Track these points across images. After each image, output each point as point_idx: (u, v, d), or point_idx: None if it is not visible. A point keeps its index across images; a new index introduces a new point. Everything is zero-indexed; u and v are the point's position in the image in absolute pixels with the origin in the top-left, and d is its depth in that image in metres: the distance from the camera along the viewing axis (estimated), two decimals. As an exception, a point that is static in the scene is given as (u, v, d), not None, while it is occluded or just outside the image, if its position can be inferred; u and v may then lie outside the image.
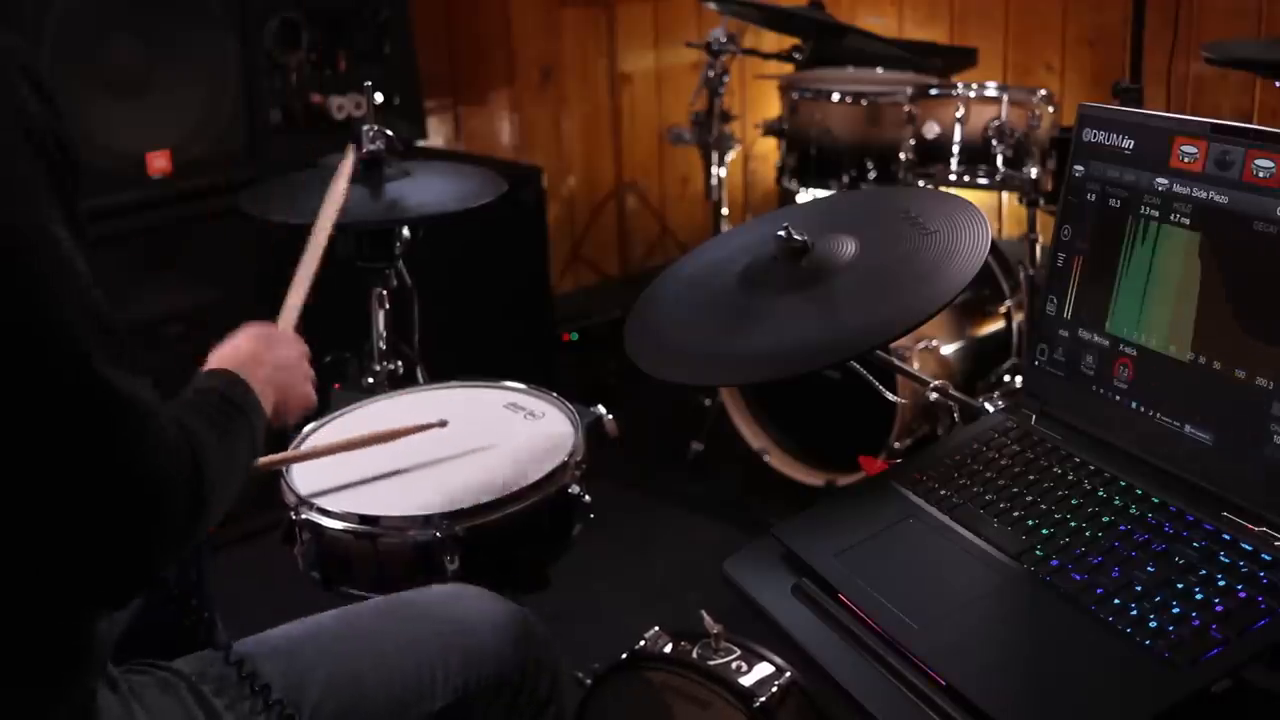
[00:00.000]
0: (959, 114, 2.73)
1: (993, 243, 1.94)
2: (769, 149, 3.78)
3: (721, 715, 1.53)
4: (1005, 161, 2.69)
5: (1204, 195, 1.13)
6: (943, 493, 1.20)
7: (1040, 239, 2.71)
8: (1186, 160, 1.15)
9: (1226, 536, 1.05)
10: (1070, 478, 1.18)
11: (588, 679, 1.68)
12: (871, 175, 2.96)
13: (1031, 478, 1.20)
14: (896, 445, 2.63)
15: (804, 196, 3.08)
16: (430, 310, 2.09)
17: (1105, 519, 1.11)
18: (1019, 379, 2.55)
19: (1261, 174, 1.08)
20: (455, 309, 2.71)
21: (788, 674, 1.54)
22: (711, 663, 1.56)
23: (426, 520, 1.45)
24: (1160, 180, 1.18)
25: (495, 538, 1.48)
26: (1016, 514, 1.15)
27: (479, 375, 1.82)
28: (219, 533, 2.52)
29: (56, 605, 0.98)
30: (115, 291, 0.95)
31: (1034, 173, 2.68)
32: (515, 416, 1.70)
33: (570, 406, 1.69)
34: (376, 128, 1.90)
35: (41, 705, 1.01)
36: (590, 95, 3.97)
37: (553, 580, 1.56)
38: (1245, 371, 1.09)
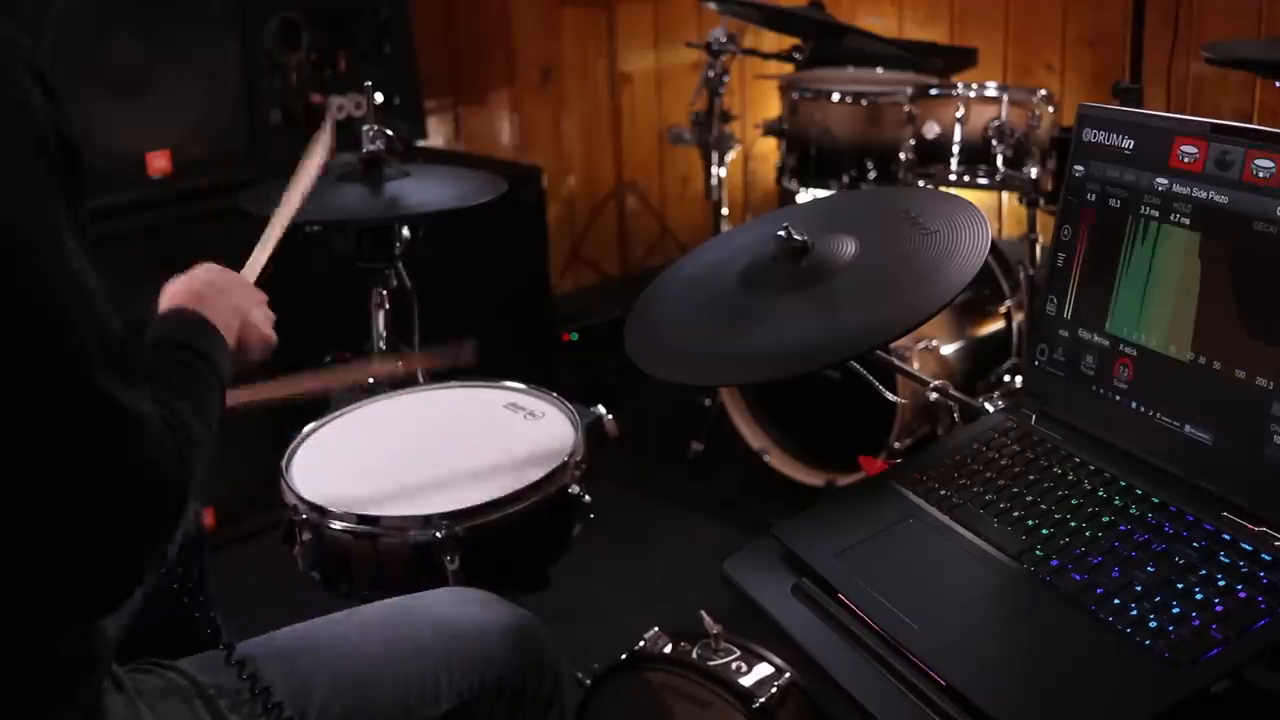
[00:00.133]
0: (959, 114, 2.73)
1: (993, 243, 1.94)
2: (769, 149, 3.78)
3: (721, 715, 1.53)
4: (1005, 161, 2.68)
5: (1204, 195, 1.13)
6: (943, 493, 1.20)
7: (1040, 239, 2.71)
8: (1186, 160, 1.15)
9: (1226, 536, 1.05)
10: (1070, 478, 1.18)
11: (587, 679, 1.68)
12: (871, 175, 2.96)
13: (1031, 478, 1.20)
14: (896, 445, 2.63)
15: (804, 196, 3.08)
16: (430, 310, 2.09)
17: (1105, 519, 1.11)
18: (1019, 379, 2.55)
19: (1261, 174, 1.08)
20: (455, 309, 2.70)
21: (787, 674, 1.54)
22: (711, 663, 1.56)
23: (426, 520, 1.45)
24: (1160, 180, 1.18)
25: (495, 538, 1.48)
26: (1016, 514, 1.15)
27: (479, 375, 1.82)
28: (219, 532, 2.53)
29: (48, 611, 0.98)
30: (115, 291, 0.95)
31: (1034, 173, 2.68)
32: (515, 416, 1.70)
33: (570, 406, 1.69)
34: (376, 128, 1.90)
35: (48, 705, 1.01)
36: (590, 95, 3.97)
37: (553, 580, 1.56)
38: (1245, 371, 1.09)
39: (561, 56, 3.85)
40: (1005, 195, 3.15)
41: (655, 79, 4.09)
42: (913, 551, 1.15)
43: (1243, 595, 0.98)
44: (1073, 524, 1.11)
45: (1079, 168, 1.27)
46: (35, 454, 0.88)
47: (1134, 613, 0.98)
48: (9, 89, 0.90)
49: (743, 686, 1.52)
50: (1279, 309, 1.07)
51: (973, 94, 2.73)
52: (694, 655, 1.58)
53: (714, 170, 3.23)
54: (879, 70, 3.15)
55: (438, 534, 1.44)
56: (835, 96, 2.99)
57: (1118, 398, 1.22)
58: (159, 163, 2.52)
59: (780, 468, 2.92)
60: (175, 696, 1.14)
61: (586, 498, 1.57)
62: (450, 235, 2.24)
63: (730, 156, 3.25)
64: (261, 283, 1.45)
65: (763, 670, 1.55)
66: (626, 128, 4.07)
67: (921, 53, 3.21)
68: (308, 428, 1.68)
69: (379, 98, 1.95)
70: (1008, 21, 3.57)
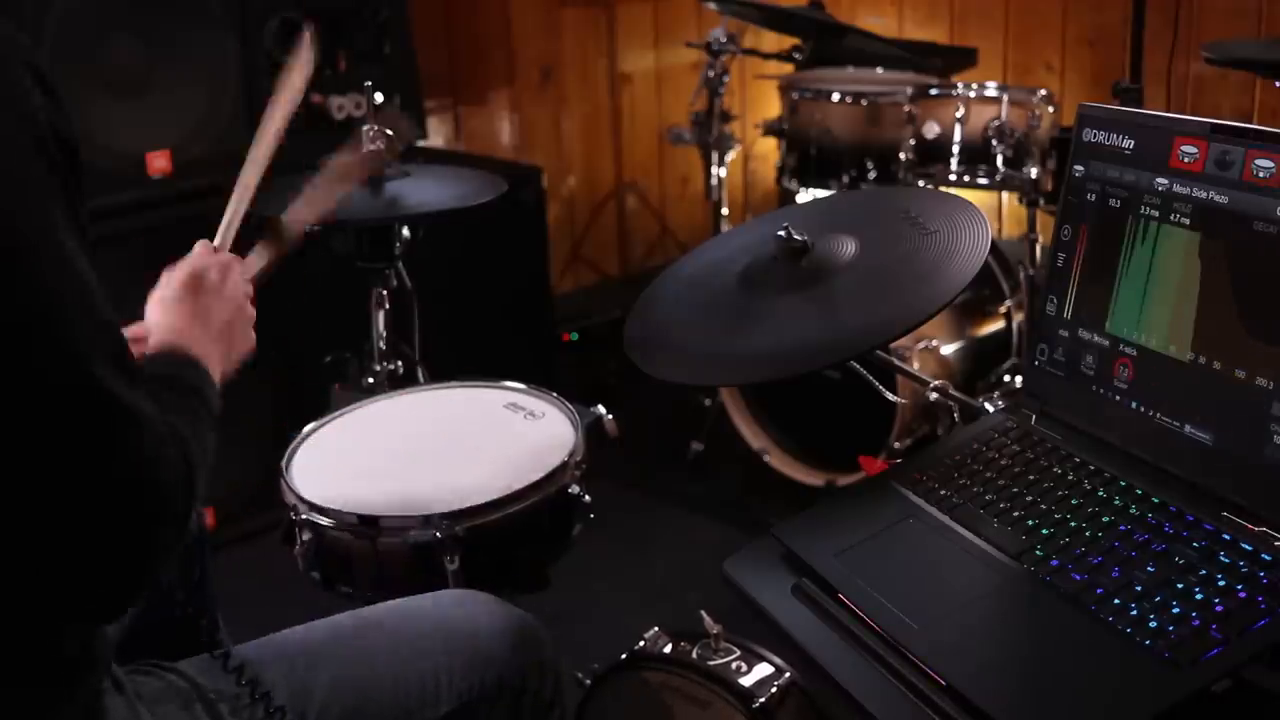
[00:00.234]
0: (959, 114, 2.73)
1: (993, 243, 1.94)
2: (769, 149, 3.78)
3: (721, 715, 1.53)
4: (1005, 161, 2.68)
5: (1204, 195, 1.13)
6: (943, 493, 1.20)
7: (1040, 239, 2.71)
8: (1186, 160, 1.15)
9: (1226, 536, 1.05)
10: (1070, 478, 1.18)
11: (587, 679, 1.68)
12: (871, 175, 2.96)
13: (1031, 478, 1.20)
14: (896, 445, 2.63)
15: (804, 196, 3.08)
16: (430, 310, 2.09)
17: (1105, 519, 1.11)
18: (1019, 379, 2.55)
19: (1261, 174, 1.08)
20: (455, 309, 2.71)
21: (787, 674, 1.54)
22: (711, 663, 1.56)
23: (426, 520, 1.45)
24: (1160, 180, 1.18)
25: (495, 538, 1.48)
26: (1016, 514, 1.15)
27: (479, 375, 1.82)
28: (219, 532, 2.53)
29: (55, 614, 0.97)
30: (115, 291, 0.95)
31: (1034, 173, 2.68)
32: (515, 416, 1.70)
33: (570, 406, 1.69)
34: (376, 128, 1.90)
35: (48, 705, 1.01)
36: (590, 95, 3.97)
37: (553, 580, 1.56)
38: (1245, 371, 1.09)
39: (561, 56, 3.85)
40: (1005, 195, 3.15)
41: (655, 79, 4.09)
42: (913, 551, 1.15)
43: (1243, 595, 0.98)
44: (1073, 524, 1.11)
45: (1079, 168, 1.27)
46: (36, 450, 0.88)
47: (1134, 613, 0.98)
48: (8, 89, 0.90)
49: (743, 686, 1.52)
50: (1279, 309, 1.07)
51: (973, 94, 2.73)
52: (694, 655, 1.58)
53: (714, 170, 3.23)
54: (879, 70, 3.15)
55: (438, 534, 1.44)
56: (835, 96, 2.99)
57: (1118, 398, 1.22)
58: (159, 163, 2.52)
59: (780, 468, 2.92)
60: (175, 699, 1.14)
61: (586, 498, 1.57)
62: (450, 235, 2.24)
63: (730, 156, 3.25)
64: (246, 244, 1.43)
65: (763, 670, 1.55)
66: (626, 128, 4.07)
67: (921, 53, 3.21)
68: (308, 428, 1.68)
69: (379, 98, 1.95)
70: (1008, 21, 3.57)
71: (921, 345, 2.62)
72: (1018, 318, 2.80)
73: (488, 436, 1.65)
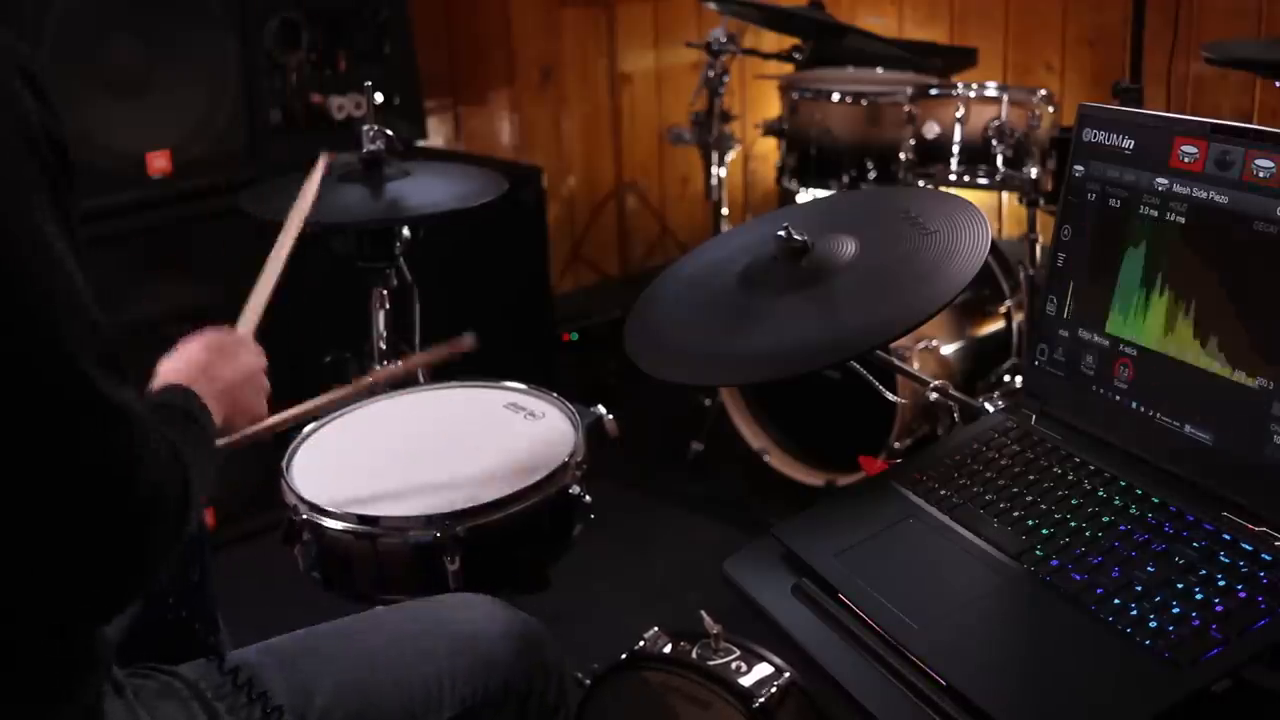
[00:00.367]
0: (959, 114, 2.73)
1: (993, 243, 1.94)
2: (769, 149, 3.79)
3: (721, 715, 1.53)
4: (1005, 161, 2.69)
5: (1204, 195, 1.13)
6: (943, 493, 1.20)
7: (1040, 239, 2.71)
8: (1186, 160, 1.15)
9: (1226, 536, 1.05)
10: (1070, 478, 1.18)
11: (587, 679, 1.68)
12: (871, 175, 2.96)
13: (1031, 478, 1.20)
14: (896, 445, 2.63)
15: (804, 196, 3.08)
16: (430, 310, 2.09)
17: (1105, 519, 1.11)
18: (1019, 379, 2.55)
19: (1261, 174, 1.08)
20: (455, 309, 2.70)
21: (787, 674, 1.54)
22: (711, 663, 1.56)
23: (427, 520, 1.45)
24: (1160, 180, 1.18)
25: (496, 538, 1.48)
26: (1016, 514, 1.15)
27: (479, 375, 1.82)
28: (219, 532, 2.53)
29: (52, 616, 0.97)
30: (115, 291, 0.95)
31: (1034, 173, 2.68)
32: (515, 416, 1.70)
33: (570, 406, 1.69)
34: (376, 128, 1.90)
35: (47, 707, 1.01)
36: (590, 95, 3.97)
37: (553, 580, 1.56)
38: (1245, 371, 1.09)
39: (561, 56, 3.85)
40: (1005, 195, 3.15)
41: (655, 79, 4.09)
42: (913, 551, 1.15)
43: (1243, 595, 0.98)
44: (1073, 524, 1.11)
45: (1079, 168, 1.27)
46: (24, 447, 0.88)
47: (1134, 613, 0.98)
48: (1, 92, 0.90)
49: (743, 686, 1.52)
50: (1279, 309, 1.07)
51: (973, 94, 2.73)
52: (694, 655, 1.58)
53: (714, 170, 3.23)
54: (879, 70, 3.15)
55: (438, 534, 1.44)
56: (835, 96, 2.99)
57: (1118, 398, 1.22)
58: (159, 163, 2.52)
59: (780, 468, 2.92)
60: (174, 701, 1.14)
61: (586, 498, 1.57)
62: (450, 235, 2.23)
63: (730, 156, 3.25)
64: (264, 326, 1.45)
65: (763, 670, 1.55)
66: (626, 128, 4.07)
67: (921, 53, 3.21)
68: (308, 428, 1.68)
69: (379, 98, 1.95)
70: (1008, 21, 3.57)
71: (921, 345, 2.62)
72: (1018, 318, 2.80)
73: (488, 436, 1.65)
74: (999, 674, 0.98)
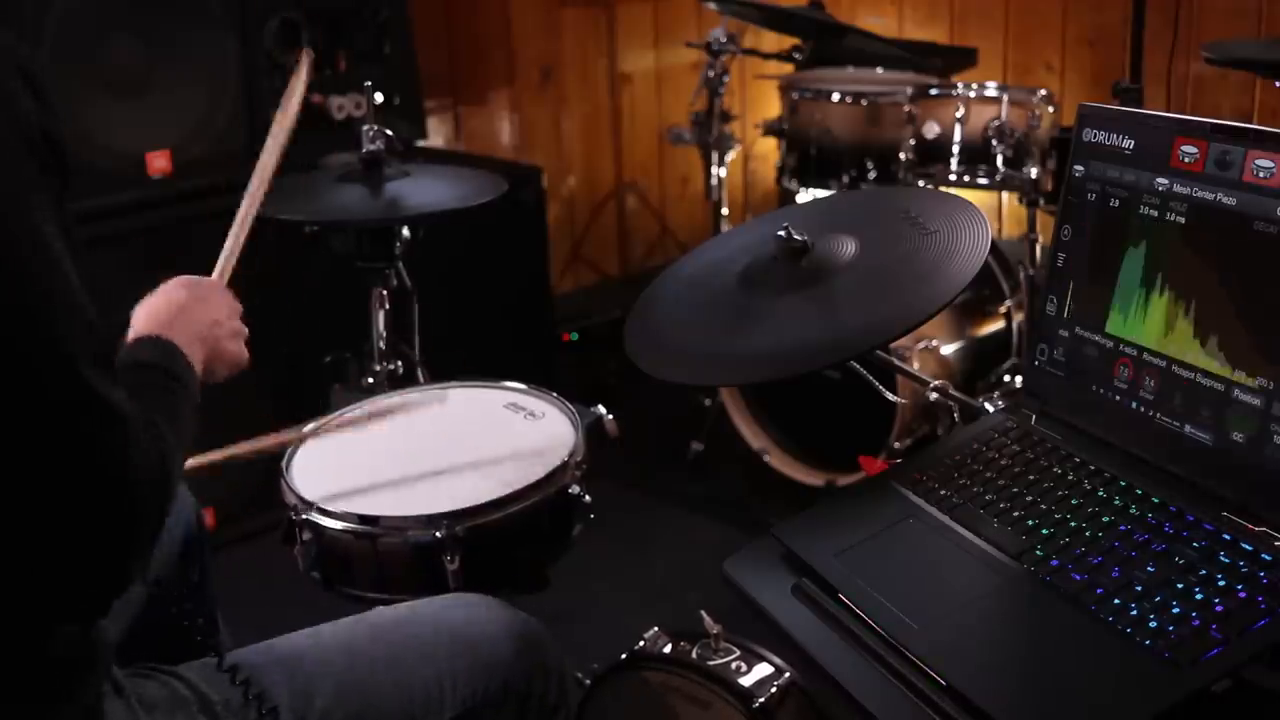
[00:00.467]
0: (959, 114, 2.73)
1: (993, 243, 1.94)
2: (769, 149, 3.78)
3: (721, 715, 1.53)
4: (1005, 161, 2.69)
5: (1204, 195, 1.13)
6: (943, 493, 1.20)
7: (1040, 239, 2.71)
8: (1186, 160, 1.15)
9: (1226, 536, 1.05)
10: (1070, 478, 1.18)
11: (587, 679, 1.68)
12: (871, 175, 2.96)
13: (1031, 478, 1.20)
14: (896, 445, 2.63)
15: (804, 196, 3.08)
16: (430, 310, 2.09)
17: (1105, 519, 1.11)
18: (1019, 379, 2.55)
19: (1261, 174, 1.08)
20: (455, 309, 2.71)
21: (787, 674, 1.54)
22: (711, 663, 1.56)
23: (427, 520, 1.45)
24: (1160, 180, 1.18)
25: (495, 538, 1.47)
26: (1016, 514, 1.15)
27: (479, 375, 1.82)
28: (219, 532, 2.52)
29: (37, 612, 0.98)
30: (115, 291, 0.95)
31: (1034, 173, 2.68)
32: (515, 416, 1.70)
33: (570, 406, 1.69)
34: (376, 128, 1.90)
35: (47, 708, 1.01)
36: (590, 95, 3.97)
37: (553, 580, 1.56)
38: (1245, 371, 1.09)
39: (561, 56, 3.85)
40: (1005, 195, 3.15)
41: (655, 79, 4.09)
42: (913, 551, 1.15)
43: (1243, 595, 0.98)
44: (1073, 524, 1.11)
45: (1079, 168, 1.27)
46: (18, 445, 0.88)
47: (1134, 613, 0.98)
48: None
49: (743, 686, 1.52)
50: (1278, 309, 1.07)
51: (973, 94, 2.73)
52: (694, 655, 1.58)
53: (714, 170, 3.23)
54: (879, 70, 3.15)
55: (438, 534, 1.44)
56: (835, 96, 2.99)
57: (1118, 398, 1.22)
58: (159, 163, 2.52)
59: (780, 468, 2.92)
60: (173, 701, 1.13)
61: (586, 498, 1.57)
62: (450, 235, 2.23)
63: (730, 156, 3.25)
64: (241, 266, 1.44)
65: (763, 670, 1.55)
66: (626, 128, 4.07)
67: (921, 53, 3.21)
68: (308, 428, 1.68)
69: (379, 98, 1.95)
70: (1008, 21, 3.57)
71: (921, 345, 2.62)
72: (1018, 318, 2.80)
73: (488, 436, 1.65)
74: (999, 674, 0.98)
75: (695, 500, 2.96)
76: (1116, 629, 0.98)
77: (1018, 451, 1.24)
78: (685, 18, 4.03)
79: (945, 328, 2.73)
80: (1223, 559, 1.02)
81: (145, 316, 1.25)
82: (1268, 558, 1.01)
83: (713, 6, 3.12)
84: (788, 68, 3.25)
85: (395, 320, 2.01)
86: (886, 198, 1.99)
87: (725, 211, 3.31)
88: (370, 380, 2.00)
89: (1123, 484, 1.15)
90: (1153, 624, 0.97)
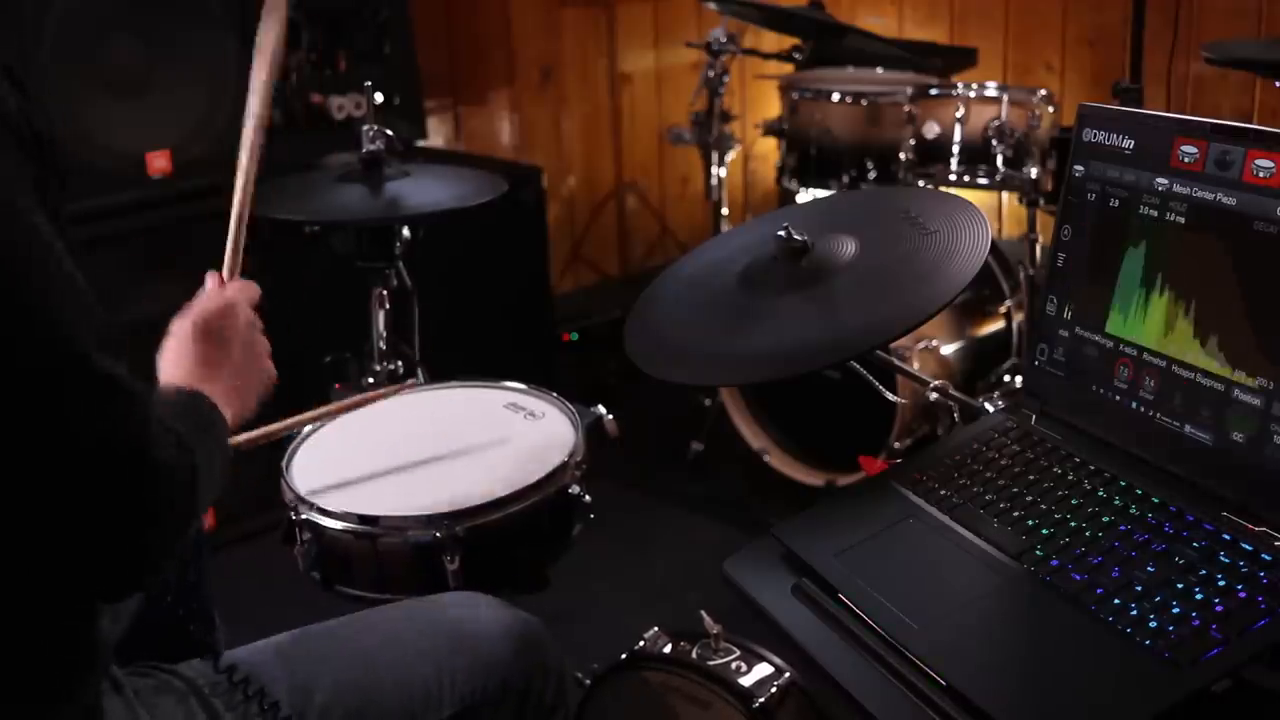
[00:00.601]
0: (959, 114, 2.73)
1: (993, 243, 1.94)
2: (769, 149, 3.78)
3: (721, 715, 1.53)
4: (1005, 161, 2.69)
5: (1204, 195, 1.13)
6: (943, 493, 1.20)
7: (1040, 239, 2.71)
8: (1186, 160, 1.15)
9: (1226, 536, 1.05)
10: (1070, 478, 1.18)
11: (587, 679, 1.68)
12: (871, 175, 2.96)
13: (1031, 478, 1.20)
14: (896, 445, 2.63)
15: (804, 196, 3.08)
16: (430, 310, 2.09)
17: (1105, 519, 1.11)
18: (1019, 379, 2.55)
19: (1261, 174, 1.08)
20: (455, 309, 2.71)
21: (787, 674, 1.54)
22: (711, 663, 1.56)
23: (427, 520, 1.45)
24: (1160, 180, 1.18)
25: (495, 538, 1.48)
26: (1016, 514, 1.15)
27: (479, 375, 1.82)
28: (219, 532, 2.52)
29: (57, 597, 0.98)
30: (115, 291, 0.95)
31: (1034, 173, 2.68)
32: (515, 416, 1.70)
33: (570, 406, 1.69)
34: (376, 128, 1.90)
35: (47, 706, 1.01)
36: (590, 95, 3.97)
37: (553, 580, 1.56)
38: (1245, 371, 1.09)
39: (561, 56, 3.85)
40: (1005, 195, 3.15)
41: (655, 79, 4.09)
42: (913, 551, 1.15)
43: (1243, 595, 0.98)
44: (1073, 524, 1.11)
45: (1079, 168, 1.27)
46: (30, 428, 0.88)
47: (1134, 613, 0.98)
48: None
49: (743, 686, 1.52)
50: (1279, 309, 1.07)
51: (973, 94, 2.73)
52: (694, 655, 1.58)
53: (714, 170, 3.23)
54: (879, 70, 3.15)
55: (438, 534, 1.44)
56: (835, 96, 2.99)
57: (1118, 398, 1.22)
58: (159, 163, 2.51)
59: (780, 468, 2.92)
60: (172, 698, 1.14)
61: (586, 498, 1.57)
62: (450, 235, 2.23)
63: (730, 156, 3.25)
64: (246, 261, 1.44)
65: (763, 670, 1.55)
66: (626, 128, 4.07)
67: (921, 53, 3.21)
68: (308, 428, 1.68)
69: (379, 98, 1.95)
70: (1008, 21, 3.57)
71: (921, 345, 2.62)
72: (1018, 318, 2.80)
73: (488, 436, 1.65)
74: (999, 674, 0.98)
75: (695, 500, 2.96)
76: (1116, 629, 0.98)
77: (1018, 451, 1.24)
78: (685, 18, 4.03)
79: (945, 328, 2.73)
80: (1223, 559, 1.02)
81: (169, 376, 1.22)
82: (1268, 558, 1.01)
83: (713, 6, 3.12)
84: (788, 68, 3.25)
85: (395, 320, 2.01)
86: (886, 198, 1.99)
87: (725, 211, 3.31)
88: (370, 380, 2.00)
89: (1123, 484, 1.15)
90: (1153, 624, 0.97)
